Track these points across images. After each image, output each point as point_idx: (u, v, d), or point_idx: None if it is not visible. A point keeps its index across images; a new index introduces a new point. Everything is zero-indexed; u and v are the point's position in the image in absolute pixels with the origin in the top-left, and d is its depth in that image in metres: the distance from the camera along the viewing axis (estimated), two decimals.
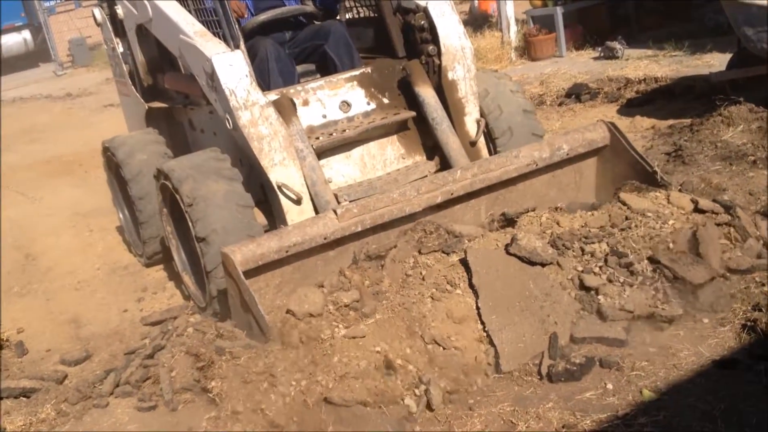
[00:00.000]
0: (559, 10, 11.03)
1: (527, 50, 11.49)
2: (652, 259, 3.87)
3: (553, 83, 9.43)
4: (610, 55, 10.12)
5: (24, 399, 4.16)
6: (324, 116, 4.84)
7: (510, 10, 12.01)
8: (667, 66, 8.96)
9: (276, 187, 4.42)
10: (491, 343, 3.58)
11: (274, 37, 5.27)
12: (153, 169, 4.90)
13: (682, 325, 3.69)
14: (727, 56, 7.58)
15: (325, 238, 3.92)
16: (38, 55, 25.52)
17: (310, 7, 5.68)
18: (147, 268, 5.90)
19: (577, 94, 8.79)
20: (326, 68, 5.30)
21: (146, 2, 5.28)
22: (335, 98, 4.88)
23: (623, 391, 3.31)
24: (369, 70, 5.04)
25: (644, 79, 8.58)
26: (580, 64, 10.29)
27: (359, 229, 4.06)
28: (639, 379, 3.37)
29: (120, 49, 6.24)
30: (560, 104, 8.81)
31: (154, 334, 4.58)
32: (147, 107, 6.03)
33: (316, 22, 5.59)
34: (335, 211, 4.01)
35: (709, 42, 9.51)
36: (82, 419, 3.81)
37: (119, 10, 5.95)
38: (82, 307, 5.42)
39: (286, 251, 3.87)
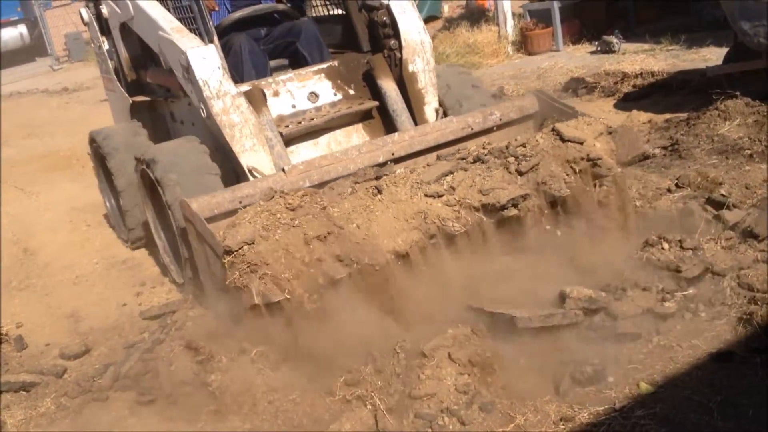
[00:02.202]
0: (556, 4, 11.04)
1: (524, 44, 11.49)
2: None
3: (550, 78, 9.45)
4: (607, 50, 10.13)
5: (24, 393, 4.18)
6: (293, 106, 5.16)
7: (507, 5, 12.00)
8: (664, 60, 8.98)
9: (247, 171, 4.66)
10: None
11: (250, 33, 5.58)
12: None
13: (679, 318, 3.71)
14: (724, 50, 7.59)
15: (274, 191, 4.09)
16: (35, 49, 25.48)
17: (283, 6, 6.05)
18: (133, 251, 6.20)
19: (574, 88, 8.80)
20: (298, 63, 5.58)
21: (128, 1, 5.52)
22: (304, 90, 5.20)
23: (621, 383, 3.33)
24: (336, 63, 5.37)
25: (641, 74, 8.58)
26: (577, 59, 10.30)
27: (306, 184, 4.33)
28: (636, 372, 3.39)
29: (106, 46, 6.51)
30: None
31: (153, 328, 4.60)
32: (131, 101, 6.26)
33: (289, 20, 5.87)
34: (284, 169, 4.40)
35: (707, 36, 9.52)
36: (82, 413, 3.82)
37: (104, 10, 6.19)
38: (80, 302, 5.43)
39: (240, 201, 4.13)
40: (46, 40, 24.33)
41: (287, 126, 5.02)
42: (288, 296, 3.59)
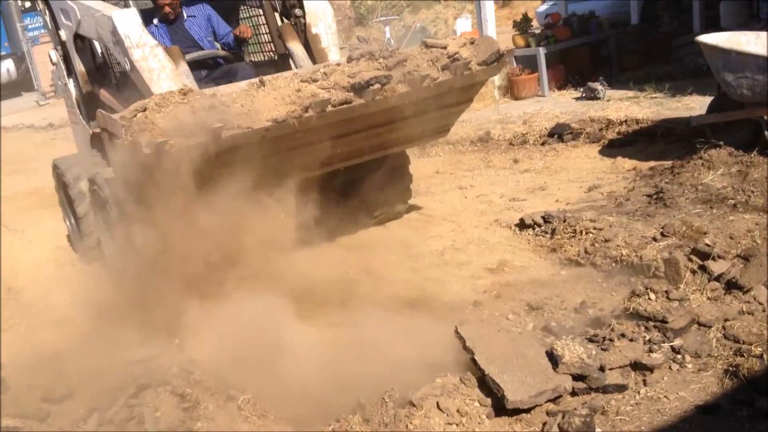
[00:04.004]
0: (541, 51, 11.19)
1: (510, 89, 11.62)
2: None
3: (536, 123, 9.54)
4: (592, 96, 10.26)
5: None
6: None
7: None
8: (648, 108, 9.11)
9: None
10: (491, 389, 3.60)
11: (193, 75, 5.96)
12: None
13: (666, 369, 3.73)
14: (707, 99, 7.72)
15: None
16: (21, 84, 25.49)
17: (222, 52, 6.66)
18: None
19: (559, 133, 8.89)
20: None
21: (75, 6, 6.02)
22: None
23: None
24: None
25: (625, 121, 8.71)
26: (562, 104, 10.43)
27: None
28: (624, 423, 3.40)
29: (71, 85, 6.96)
30: (543, 144, 8.90)
31: (138, 372, 4.55)
32: (92, 132, 6.54)
33: (227, 64, 6.54)
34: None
35: (690, 84, 9.69)
36: None
37: (62, 34, 6.60)
38: (64, 343, 5.37)
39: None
40: (32, 75, 24.36)
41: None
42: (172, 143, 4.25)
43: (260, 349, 4.49)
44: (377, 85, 4.80)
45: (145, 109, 4.33)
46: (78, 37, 6.40)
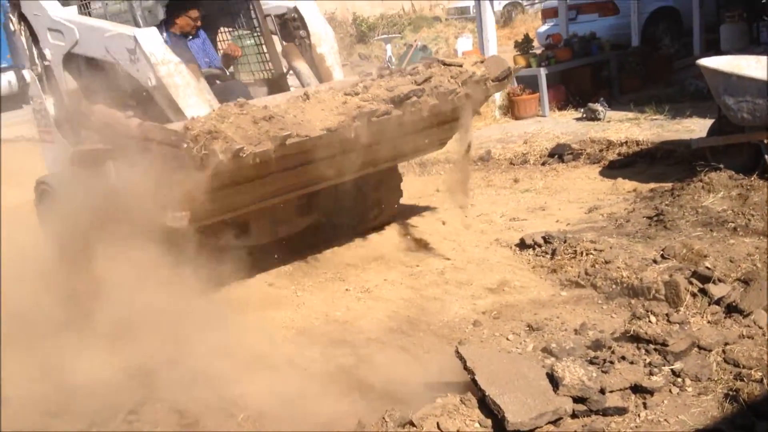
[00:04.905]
0: (542, 71, 11.24)
1: (511, 109, 11.66)
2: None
3: (536, 143, 9.57)
4: (592, 117, 10.30)
5: None
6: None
7: None
8: (648, 129, 9.14)
9: None
10: (492, 410, 3.60)
11: None
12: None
13: (666, 393, 3.73)
14: (707, 121, 7.76)
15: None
16: (22, 96, 25.53)
17: (217, 71, 6.82)
18: None
19: (560, 154, 8.92)
20: None
21: (73, 27, 6.12)
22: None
23: None
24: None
25: (626, 142, 8.74)
26: (562, 125, 10.46)
27: None
28: None
29: (48, 104, 6.94)
30: (543, 164, 8.93)
31: (136, 388, 4.55)
32: (75, 150, 6.48)
33: (221, 82, 6.71)
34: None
35: (690, 107, 9.72)
36: None
37: (47, 53, 6.61)
38: (63, 357, 5.35)
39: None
40: None
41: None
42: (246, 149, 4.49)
43: (263, 366, 4.51)
44: (414, 98, 5.31)
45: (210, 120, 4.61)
46: (68, 56, 6.43)
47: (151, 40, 5.47)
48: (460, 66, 5.79)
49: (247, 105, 4.89)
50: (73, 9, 6.45)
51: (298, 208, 6.47)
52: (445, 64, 5.82)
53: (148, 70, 5.43)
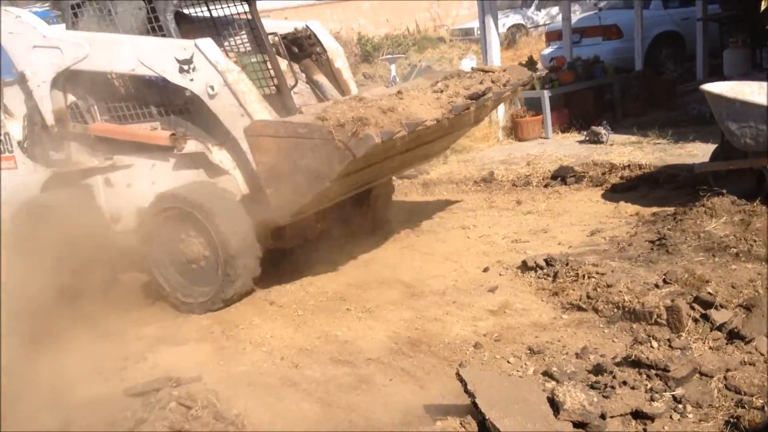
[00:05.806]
0: (546, 93, 11.28)
1: (514, 131, 11.69)
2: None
3: (539, 165, 9.58)
4: (595, 140, 10.32)
5: None
6: None
7: None
8: (651, 153, 9.15)
9: None
10: None
11: None
12: None
13: (667, 419, 3.71)
14: (710, 146, 7.77)
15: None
16: None
17: None
18: None
19: (562, 176, 8.93)
20: None
21: (82, 41, 6.20)
22: None
23: None
24: None
25: (628, 166, 8.75)
26: (565, 147, 10.48)
27: None
28: None
29: (13, 127, 6.95)
30: (546, 186, 8.93)
31: (136, 407, 4.52)
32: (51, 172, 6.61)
33: None
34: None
35: (693, 131, 9.75)
36: None
37: (27, 72, 6.64)
38: (62, 376, 5.34)
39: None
40: None
41: None
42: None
43: (263, 384, 4.50)
44: (489, 95, 6.28)
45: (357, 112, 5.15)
46: (63, 74, 6.40)
47: (214, 48, 5.73)
48: (494, 72, 6.83)
49: (364, 99, 5.46)
50: (62, 26, 6.59)
51: (316, 214, 6.51)
52: (483, 71, 6.83)
53: (210, 78, 5.69)
